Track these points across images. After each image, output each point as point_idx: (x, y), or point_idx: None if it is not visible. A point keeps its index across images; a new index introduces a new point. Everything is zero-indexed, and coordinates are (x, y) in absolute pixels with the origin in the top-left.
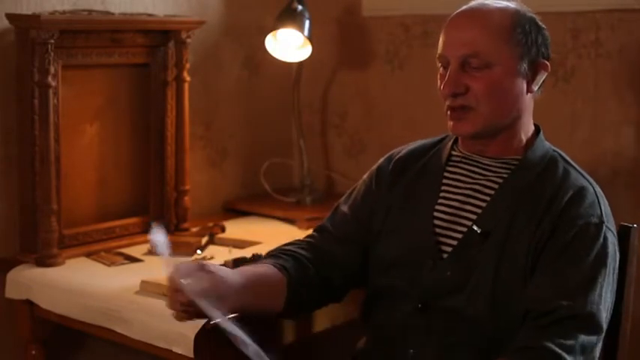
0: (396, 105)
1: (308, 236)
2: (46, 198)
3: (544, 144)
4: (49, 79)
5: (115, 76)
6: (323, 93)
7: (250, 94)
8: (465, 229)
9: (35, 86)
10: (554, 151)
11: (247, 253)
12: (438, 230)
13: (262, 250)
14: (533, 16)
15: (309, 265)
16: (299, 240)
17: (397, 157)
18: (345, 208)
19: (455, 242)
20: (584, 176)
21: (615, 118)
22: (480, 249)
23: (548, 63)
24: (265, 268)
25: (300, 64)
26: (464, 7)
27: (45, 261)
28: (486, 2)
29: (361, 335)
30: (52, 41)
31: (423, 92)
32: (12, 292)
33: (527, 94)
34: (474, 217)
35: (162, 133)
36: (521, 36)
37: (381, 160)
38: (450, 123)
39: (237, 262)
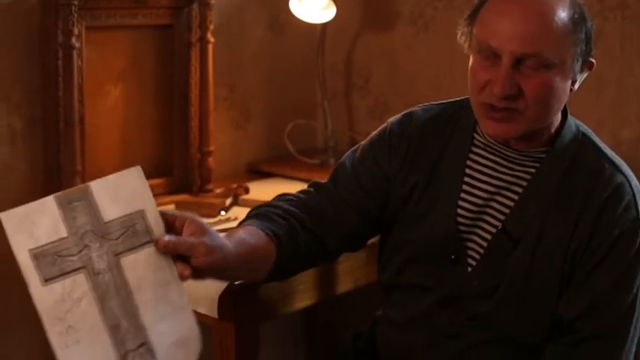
0: (421, 66)
1: (304, 191)
2: (70, 159)
3: (572, 127)
4: (73, 40)
5: (139, 38)
6: (347, 54)
7: (274, 55)
8: (491, 229)
9: (59, 48)
10: (583, 134)
11: None
12: (461, 227)
13: None
14: (584, 8)
15: (302, 227)
16: (295, 195)
17: (412, 126)
18: (348, 168)
19: (481, 241)
20: (617, 166)
21: None
22: (509, 255)
23: (594, 61)
24: (257, 239)
25: (324, 25)
26: None
27: None
28: None
29: (383, 298)
30: (76, 2)
31: (447, 54)
32: None
33: (569, 92)
34: (500, 216)
35: (186, 94)
36: (582, 35)
37: (393, 124)
38: (486, 122)
39: None
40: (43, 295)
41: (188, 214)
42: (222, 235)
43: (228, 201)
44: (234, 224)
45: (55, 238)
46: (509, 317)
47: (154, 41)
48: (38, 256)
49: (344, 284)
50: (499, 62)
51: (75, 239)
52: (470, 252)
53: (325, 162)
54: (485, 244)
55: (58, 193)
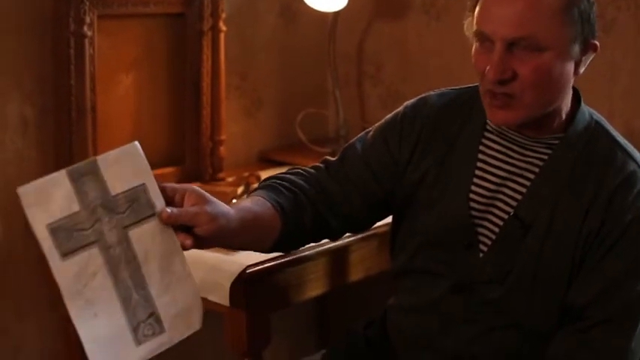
0: (433, 55)
1: (315, 167)
2: (82, 148)
3: (585, 115)
4: (85, 28)
5: (151, 26)
6: (359, 43)
7: (286, 44)
8: (503, 215)
9: (71, 36)
10: (596, 122)
11: None
12: (474, 213)
13: None
14: None
15: (308, 202)
16: (306, 169)
17: (426, 111)
18: (358, 150)
19: (493, 227)
20: (629, 154)
21: None
22: (521, 241)
23: (597, 43)
24: (263, 209)
25: (336, 13)
26: None
27: None
28: None
29: (394, 286)
30: None
31: (459, 43)
32: None
33: (573, 76)
34: (512, 202)
35: (198, 83)
36: (577, 15)
37: (407, 108)
38: (489, 109)
39: None
40: (63, 270)
41: (187, 186)
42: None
43: (240, 189)
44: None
45: (69, 213)
46: (521, 303)
47: (165, 30)
48: (55, 230)
49: (356, 273)
50: (493, 48)
51: (87, 213)
52: (482, 238)
53: (337, 151)
54: (497, 229)
55: (69, 168)
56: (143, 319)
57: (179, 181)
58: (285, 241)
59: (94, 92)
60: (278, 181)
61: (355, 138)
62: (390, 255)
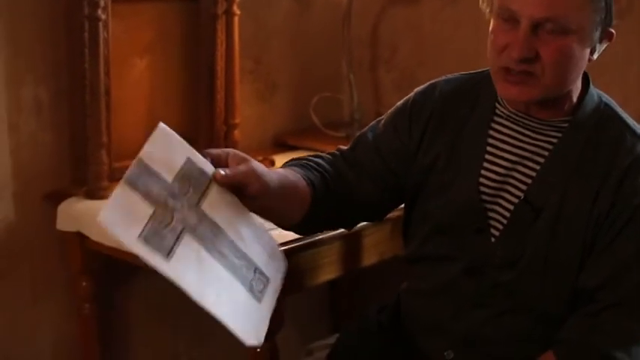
0: (447, 40)
1: (331, 154)
2: (96, 131)
3: (594, 97)
4: (99, 12)
5: (165, 10)
6: (373, 27)
7: (300, 28)
8: (514, 199)
9: (85, 19)
10: (605, 105)
11: None
12: (484, 197)
13: None
14: None
15: (331, 184)
16: (323, 155)
17: (435, 97)
18: (370, 138)
19: (504, 211)
20: (639, 136)
21: None
22: (531, 225)
23: (614, 32)
24: (297, 180)
25: None
26: None
27: (95, 193)
28: None
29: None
30: None
31: (473, 27)
32: (63, 225)
33: (587, 62)
34: (522, 186)
35: (212, 67)
36: (602, 4)
37: (417, 94)
38: (503, 85)
39: None
40: (177, 269)
41: (227, 149)
42: None
43: None
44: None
45: (148, 217)
46: (532, 287)
47: (179, 13)
48: (148, 239)
49: (369, 257)
50: (518, 26)
51: (162, 209)
52: (493, 222)
53: (351, 135)
54: (507, 214)
55: (124, 179)
56: (251, 277)
57: None
58: (311, 219)
59: (108, 76)
60: (305, 161)
61: (367, 127)
62: (403, 241)
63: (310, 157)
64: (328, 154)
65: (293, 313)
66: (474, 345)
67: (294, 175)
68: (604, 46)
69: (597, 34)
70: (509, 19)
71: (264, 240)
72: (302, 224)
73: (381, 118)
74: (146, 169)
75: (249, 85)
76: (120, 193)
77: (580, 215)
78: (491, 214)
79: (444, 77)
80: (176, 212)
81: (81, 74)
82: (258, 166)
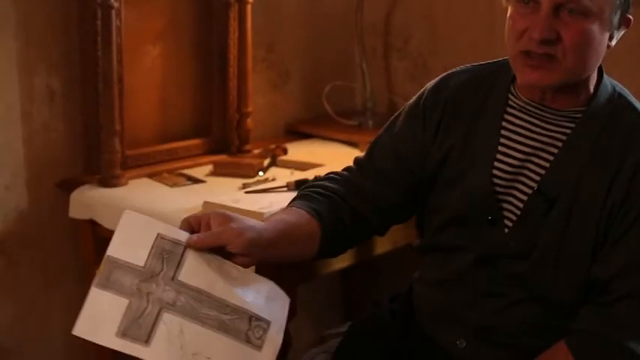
0: (460, 28)
1: (348, 169)
2: (109, 119)
3: (607, 87)
4: (112, 0)
5: None
6: (386, 15)
7: (313, 16)
8: (527, 190)
9: (98, 7)
10: (619, 95)
11: (309, 175)
12: (497, 189)
13: (324, 172)
14: None
15: (344, 203)
16: (334, 173)
17: (447, 90)
18: (386, 141)
19: (517, 202)
20: None
21: None
22: (545, 216)
23: (632, 18)
24: (297, 217)
25: None
26: None
27: (108, 181)
28: None
29: (420, 261)
30: None
31: (487, 16)
32: (76, 212)
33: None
34: (536, 177)
35: (225, 55)
36: None
37: (428, 90)
38: (523, 70)
39: (299, 184)
40: (156, 353)
41: (209, 212)
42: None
43: (266, 162)
44: (271, 185)
45: (123, 311)
46: (545, 277)
47: (192, 1)
48: (125, 332)
49: (382, 245)
50: (538, 9)
51: (136, 298)
52: (506, 213)
53: (363, 123)
54: (521, 205)
55: (94, 282)
56: (247, 327)
57: (205, 153)
58: (329, 246)
59: (121, 64)
60: (310, 190)
61: (381, 130)
62: (417, 232)
63: (318, 182)
64: (344, 169)
65: (306, 302)
66: (486, 334)
67: (294, 215)
68: (622, 32)
69: (616, 19)
70: (529, 1)
71: (259, 284)
72: (322, 253)
73: (393, 118)
74: (115, 265)
75: (262, 73)
76: (91, 298)
77: (594, 206)
78: (504, 205)
79: (457, 68)
80: (151, 295)
81: (93, 62)
82: (240, 223)
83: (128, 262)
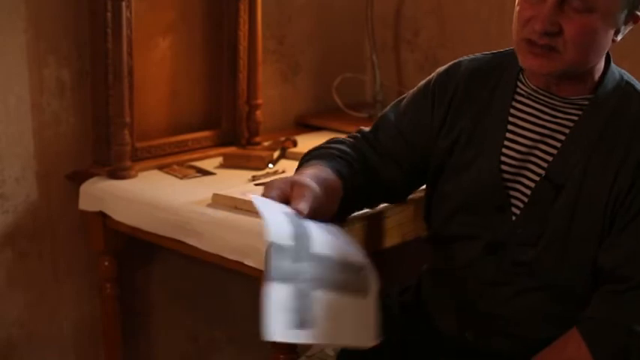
0: (470, 21)
1: (352, 136)
2: (119, 111)
3: (615, 75)
4: None
5: None
6: (396, 8)
7: (323, 8)
8: (535, 177)
9: None
10: (627, 83)
11: None
12: (505, 176)
13: None
14: None
15: (357, 168)
16: (345, 139)
17: (457, 75)
18: (392, 119)
19: (525, 189)
20: None
21: None
22: (552, 203)
23: None
24: (327, 174)
25: None
26: None
27: (118, 173)
28: None
29: (429, 252)
30: None
31: (496, 8)
32: (85, 204)
33: (611, 43)
34: (544, 164)
35: (235, 47)
36: None
37: (439, 74)
38: (525, 56)
39: None
40: (322, 333)
41: (275, 182)
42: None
43: (276, 154)
44: (281, 177)
45: (293, 301)
46: (553, 264)
47: None
48: (302, 322)
49: (392, 238)
50: (545, 0)
51: (297, 282)
52: (514, 200)
53: (373, 116)
54: (528, 192)
55: (268, 276)
56: (356, 278)
57: (215, 145)
58: (344, 207)
59: (131, 56)
60: (329, 150)
61: (388, 107)
62: (425, 221)
63: (332, 145)
64: (349, 136)
65: None
66: (495, 324)
67: (324, 172)
68: (629, 28)
69: (623, 16)
70: None
71: (344, 236)
72: (337, 214)
73: (402, 97)
74: (278, 250)
75: (272, 65)
76: (272, 294)
77: (600, 192)
78: (512, 193)
79: (467, 56)
80: (303, 274)
81: (104, 55)
82: (302, 181)
83: (283, 245)
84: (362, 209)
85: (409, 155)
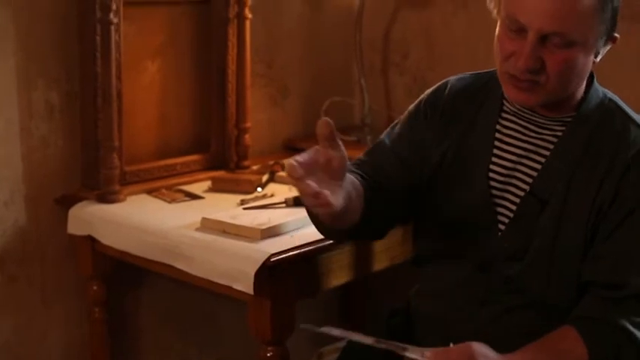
0: (459, 44)
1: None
2: (107, 135)
3: (598, 92)
4: (111, 15)
5: (177, 13)
6: (385, 31)
7: (312, 32)
8: (520, 192)
9: (97, 23)
10: (609, 100)
11: None
12: (493, 192)
13: None
14: None
15: (367, 185)
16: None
17: (445, 95)
18: (387, 144)
19: (510, 205)
20: None
21: None
22: (538, 218)
23: (617, 35)
24: (351, 178)
25: (362, 1)
26: None
27: (106, 197)
28: None
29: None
30: None
31: (485, 31)
32: (74, 228)
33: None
34: (529, 179)
35: (224, 70)
36: (609, 12)
37: (428, 94)
38: (509, 89)
39: (298, 201)
40: None
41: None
42: None
43: (265, 178)
44: (270, 201)
45: None
46: (539, 279)
47: (191, 17)
48: None
49: (380, 262)
50: (525, 36)
51: None
52: (500, 217)
53: (362, 139)
54: (514, 207)
55: None
56: None
57: (204, 169)
58: (364, 220)
59: (120, 79)
60: None
61: (383, 134)
62: (413, 242)
63: None
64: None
65: (304, 317)
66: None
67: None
68: (607, 48)
69: (602, 42)
70: (516, 29)
71: None
72: (359, 225)
73: (394, 123)
74: None
75: (261, 89)
76: None
77: (584, 206)
78: (498, 209)
79: (456, 75)
80: None
81: (92, 78)
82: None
83: None
84: (364, 238)
85: (405, 176)
